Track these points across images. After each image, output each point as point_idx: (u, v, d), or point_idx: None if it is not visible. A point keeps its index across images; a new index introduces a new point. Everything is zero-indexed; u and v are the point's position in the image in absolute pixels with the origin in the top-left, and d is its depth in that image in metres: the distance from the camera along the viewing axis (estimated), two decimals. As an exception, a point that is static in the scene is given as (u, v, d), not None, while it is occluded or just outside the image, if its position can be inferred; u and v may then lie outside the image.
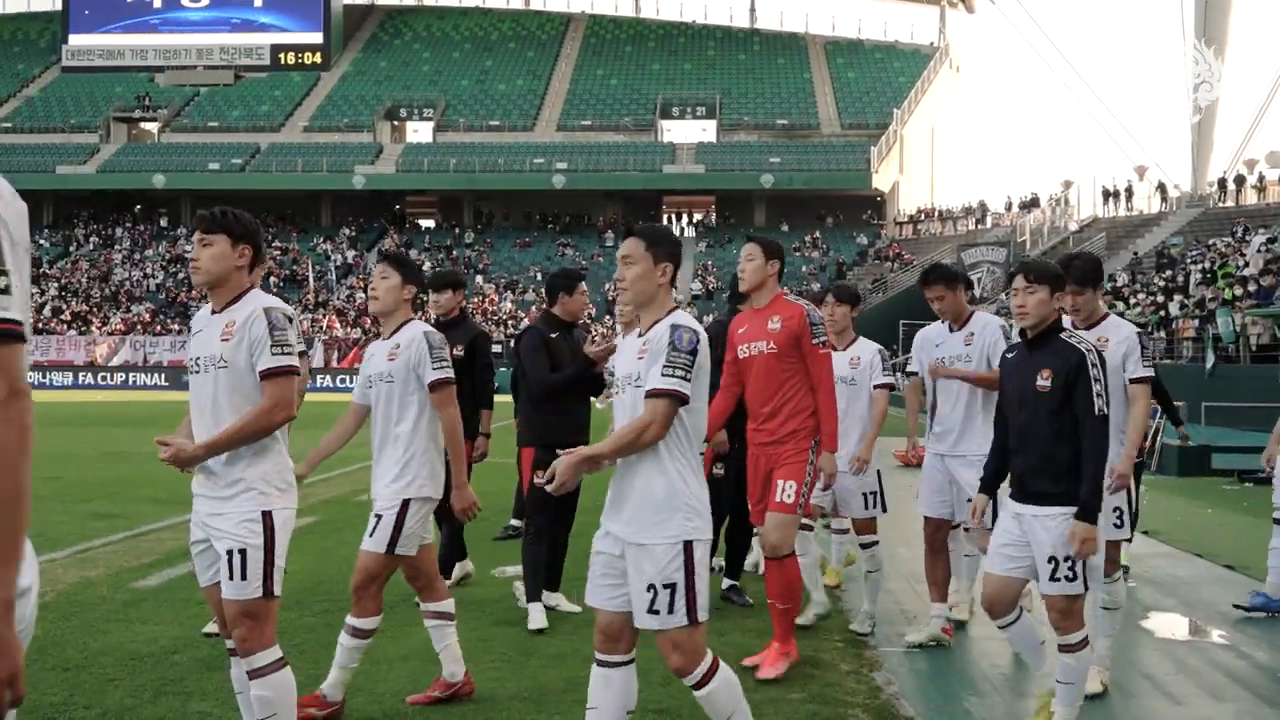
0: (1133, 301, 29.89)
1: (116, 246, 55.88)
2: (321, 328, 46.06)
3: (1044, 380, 4.43)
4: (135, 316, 48.87)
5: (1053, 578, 4.37)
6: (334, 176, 54.47)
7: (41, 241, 54.14)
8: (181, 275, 51.47)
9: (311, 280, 50.33)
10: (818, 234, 52.71)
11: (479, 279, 51.25)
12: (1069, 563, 4.34)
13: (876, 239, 53.76)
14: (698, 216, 57.97)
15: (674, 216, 58.22)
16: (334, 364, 43.23)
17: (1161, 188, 44.65)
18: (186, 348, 4.14)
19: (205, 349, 3.97)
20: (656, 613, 3.57)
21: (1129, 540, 5.79)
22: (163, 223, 57.97)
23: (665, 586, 3.56)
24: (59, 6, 65.63)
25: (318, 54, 63.90)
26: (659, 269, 3.79)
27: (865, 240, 53.38)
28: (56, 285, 51.33)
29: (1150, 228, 41.90)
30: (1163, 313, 28.32)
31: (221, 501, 3.87)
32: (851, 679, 5.33)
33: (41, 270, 51.60)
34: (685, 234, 54.66)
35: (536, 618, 6.17)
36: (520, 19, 70.42)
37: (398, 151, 57.57)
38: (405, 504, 4.73)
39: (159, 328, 47.68)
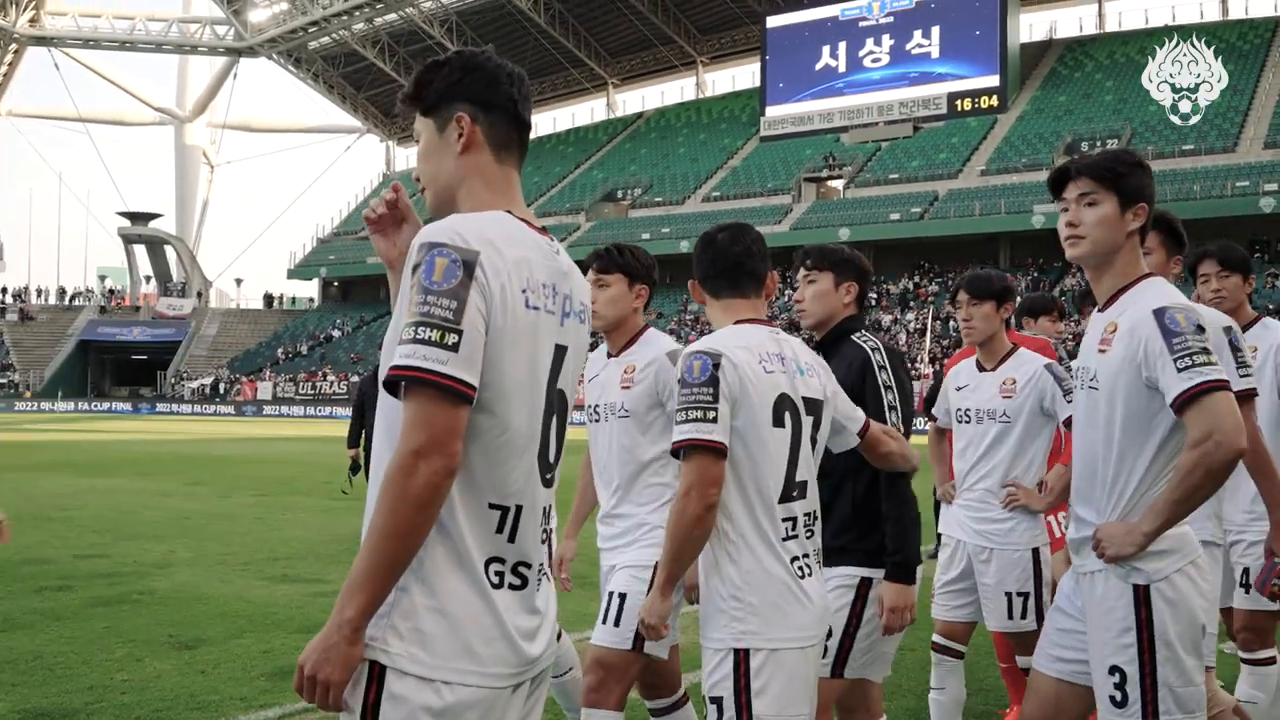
0: None
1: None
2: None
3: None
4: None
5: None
6: (1012, 218, 53.69)
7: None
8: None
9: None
10: None
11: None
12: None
13: None
14: None
15: None
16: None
17: None
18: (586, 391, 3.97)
19: (605, 396, 3.88)
20: None
21: None
22: (847, 273, 61.00)
23: (712, 701, 2.86)
24: (758, 84, 72.47)
25: (994, 97, 63.59)
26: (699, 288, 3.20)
27: None
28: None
29: None
30: None
31: None
32: None
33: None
34: None
35: None
36: (1218, 31, 64.41)
37: (1079, 187, 55.24)
38: None
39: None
